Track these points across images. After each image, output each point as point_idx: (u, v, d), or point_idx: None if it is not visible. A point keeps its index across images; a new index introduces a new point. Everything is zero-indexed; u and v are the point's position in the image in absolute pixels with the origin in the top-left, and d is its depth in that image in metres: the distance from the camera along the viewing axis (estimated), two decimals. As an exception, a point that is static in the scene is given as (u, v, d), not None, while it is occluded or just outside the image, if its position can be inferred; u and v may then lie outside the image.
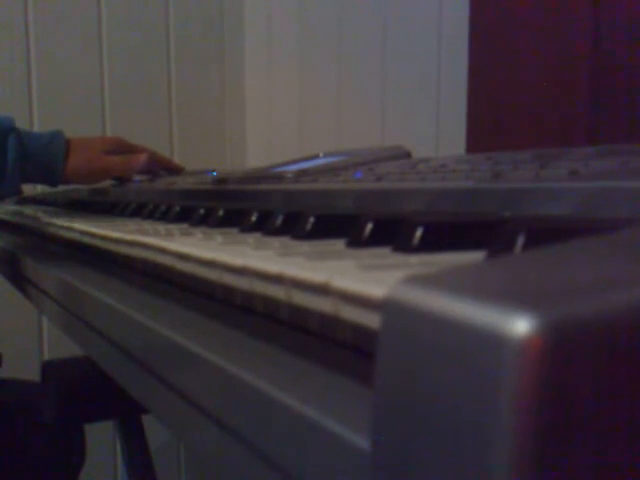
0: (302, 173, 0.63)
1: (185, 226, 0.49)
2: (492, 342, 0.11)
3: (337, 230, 0.34)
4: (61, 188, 0.98)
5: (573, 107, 0.79)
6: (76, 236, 0.54)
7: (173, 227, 0.48)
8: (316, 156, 0.74)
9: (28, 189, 1.16)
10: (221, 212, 0.46)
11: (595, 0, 0.77)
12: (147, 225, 0.53)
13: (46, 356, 1.41)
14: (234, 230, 0.43)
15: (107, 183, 1.06)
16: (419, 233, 0.27)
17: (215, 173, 0.90)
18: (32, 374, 1.07)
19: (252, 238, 0.37)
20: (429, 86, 1.09)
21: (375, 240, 0.30)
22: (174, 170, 1.04)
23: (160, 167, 1.01)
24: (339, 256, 0.27)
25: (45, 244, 0.69)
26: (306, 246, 0.32)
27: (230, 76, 1.60)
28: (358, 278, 0.20)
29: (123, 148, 0.96)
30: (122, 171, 0.98)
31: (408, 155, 0.67)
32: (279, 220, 0.38)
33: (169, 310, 0.32)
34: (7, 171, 0.82)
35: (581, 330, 0.11)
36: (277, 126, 1.53)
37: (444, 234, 0.27)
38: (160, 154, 1.02)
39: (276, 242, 0.34)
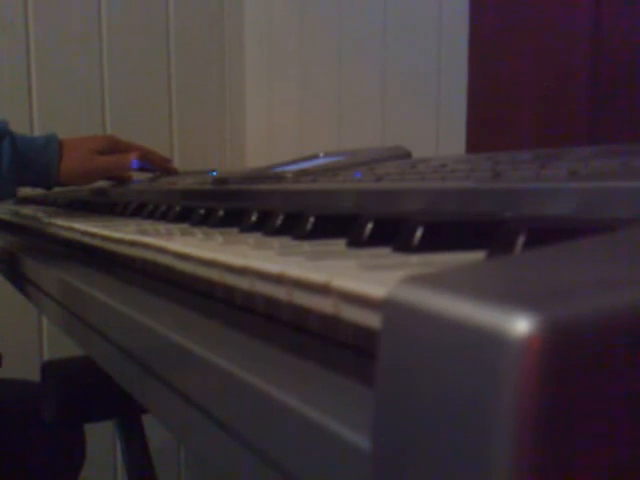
0: (302, 173, 0.63)
1: (185, 226, 0.49)
2: (492, 342, 0.11)
3: (337, 230, 0.34)
4: (57, 189, 0.98)
5: (573, 107, 0.79)
6: (76, 236, 0.54)
7: (173, 227, 0.48)
8: (316, 156, 0.74)
9: (27, 189, 1.16)
10: (221, 212, 0.46)
11: (596, 0, 0.77)
12: (147, 225, 0.53)
13: (46, 356, 1.41)
14: (234, 230, 0.43)
15: (106, 183, 1.06)
16: (419, 233, 0.27)
17: (215, 173, 0.90)
18: (32, 374, 1.07)
19: (252, 238, 0.37)
20: (429, 86, 1.09)
21: (375, 240, 0.30)
22: (168, 169, 1.04)
23: (153, 165, 1.01)
24: (339, 256, 0.27)
25: (45, 244, 0.69)
26: (306, 246, 0.32)
27: (230, 76, 1.60)
28: (358, 278, 0.20)
29: (115, 146, 0.96)
30: (114, 170, 0.98)
31: (408, 155, 0.67)
32: (279, 220, 0.38)
33: (169, 310, 0.32)
34: (2, 175, 0.82)
35: (581, 330, 0.11)
36: (277, 126, 1.53)
37: (444, 234, 0.27)
38: (154, 152, 1.02)
39: (276, 242, 0.34)
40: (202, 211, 0.49)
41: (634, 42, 0.74)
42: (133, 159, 0.95)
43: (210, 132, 1.57)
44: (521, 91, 0.86)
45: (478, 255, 0.24)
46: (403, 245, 0.27)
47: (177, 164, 1.49)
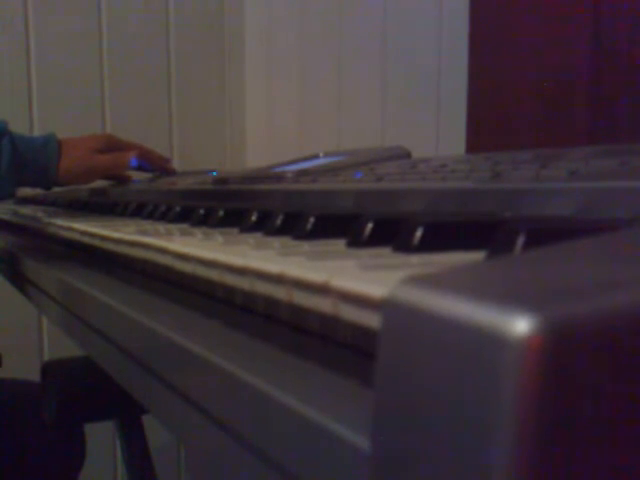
0: (302, 173, 0.63)
1: (185, 226, 0.49)
2: (492, 342, 0.11)
3: (337, 230, 0.34)
4: (56, 189, 0.98)
5: (573, 107, 0.79)
6: (76, 236, 0.54)
7: (173, 227, 0.48)
8: (316, 156, 0.74)
9: (27, 189, 1.16)
10: (221, 212, 0.46)
11: (595, 1, 0.77)
12: (147, 225, 0.53)
13: (46, 356, 1.41)
14: (234, 230, 0.43)
15: (105, 183, 1.06)
16: (419, 233, 0.27)
17: (215, 173, 0.90)
18: (32, 374, 1.07)
19: (253, 238, 0.37)
20: (429, 86, 1.09)
21: (375, 240, 0.30)
22: (167, 169, 1.04)
23: (152, 164, 1.01)
24: (339, 256, 0.27)
25: (45, 244, 0.69)
26: (306, 246, 0.32)
27: (230, 76, 1.60)
28: (358, 278, 0.20)
29: (113, 145, 0.96)
30: (113, 169, 0.97)
31: (408, 155, 0.67)
32: (279, 220, 0.38)
33: (169, 310, 0.32)
34: (1, 175, 0.82)
35: (581, 330, 0.11)
36: (277, 126, 1.53)
37: (444, 234, 0.27)
38: (152, 151, 1.02)
39: (276, 242, 0.34)
40: (202, 211, 0.49)
41: (634, 42, 0.74)
42: (132, 157, 0.95)
43: (210, 132, 1.57)
44: (521, 91, 0.86)
45: (478, 255, 0.24)
46: (403, 245, 0.27)
47: (177, 164, 1.49)
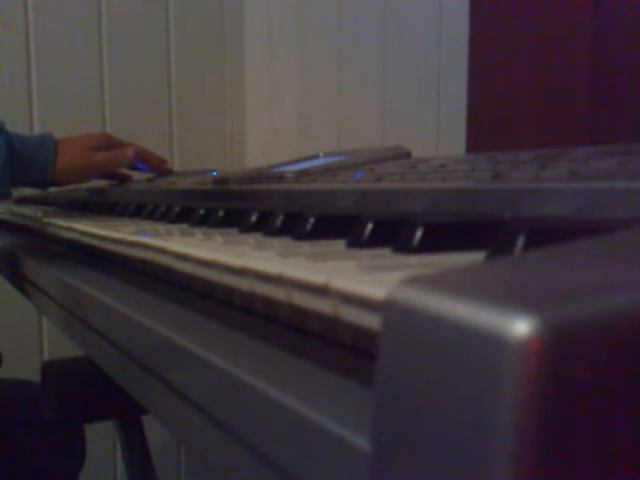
0: (302, 173, 0.63)
1: (185, 226, 0.49)
2: (492, 343, 0.11)
3: (337, 230, 0.34)
4: (56, 189, 0.98)
5: (573, 107, 0.79)
6: (76, 236, 0.54)
7: (173, 227, 0.48)
8: (316, 156, 0.74)
9: (27, 190, 1.16)
10: (221, 212, 0.46)
11: (595, 0, 0.77)
12: (147, 225, 0.53)
13: (46, 356, 1.41)
14: (234, 230, 0.43)
15: (105, 183, 1.06)
16: (419, 233, 0.27)
17: (215, 173, 0.90)
18: (32, 374, 1.07)
19: (252, 238, 0.37)
20: (429, 86, 1.09)
21: (375, 240, 0.30)
22: (163, 170, 1.03)
23: (149, 165, 1.01)
24: (339, 257, 0.27)
25: (45, 244, 0.69)
26: (306, 246, 0.32)
27: (230, 76, 1.60)
28: (358, 279, 0.20)
29: (110, 144, 0.96)
30: (110, 166, 0.97)
31: (408, 155, 0.67)
32: (279, 220, 0.38)
33: (169, 310, 0.32)
34: None
35: (581, 331, 0.11)
36: (277, 126, 1.53)
37: (444, 235, 0.27)
38: (149, 152, 1.01)
39: (276, 242, 0.34)
40: (202, 211, 0.49)
41: (634, 42, 0.74)
42: (130, 154, 0.95)
43: (210, 132, 1.57)
44: (521, 91, 0.86)
45: (478, 256, 0.24)
46: (403, 246, 0.27)
47: (177, 164, 1.49)
